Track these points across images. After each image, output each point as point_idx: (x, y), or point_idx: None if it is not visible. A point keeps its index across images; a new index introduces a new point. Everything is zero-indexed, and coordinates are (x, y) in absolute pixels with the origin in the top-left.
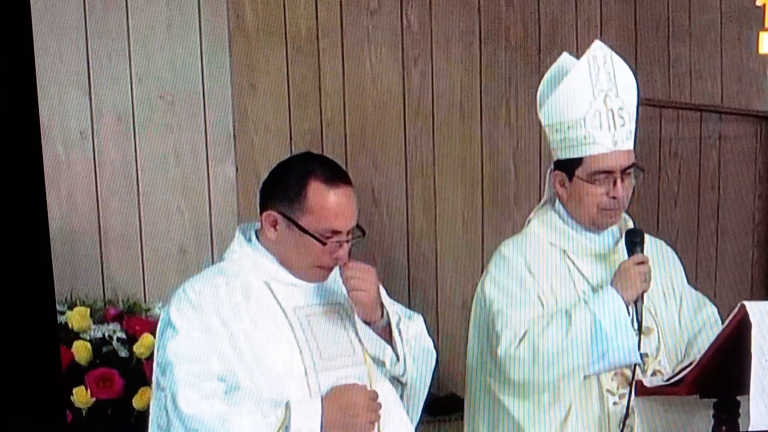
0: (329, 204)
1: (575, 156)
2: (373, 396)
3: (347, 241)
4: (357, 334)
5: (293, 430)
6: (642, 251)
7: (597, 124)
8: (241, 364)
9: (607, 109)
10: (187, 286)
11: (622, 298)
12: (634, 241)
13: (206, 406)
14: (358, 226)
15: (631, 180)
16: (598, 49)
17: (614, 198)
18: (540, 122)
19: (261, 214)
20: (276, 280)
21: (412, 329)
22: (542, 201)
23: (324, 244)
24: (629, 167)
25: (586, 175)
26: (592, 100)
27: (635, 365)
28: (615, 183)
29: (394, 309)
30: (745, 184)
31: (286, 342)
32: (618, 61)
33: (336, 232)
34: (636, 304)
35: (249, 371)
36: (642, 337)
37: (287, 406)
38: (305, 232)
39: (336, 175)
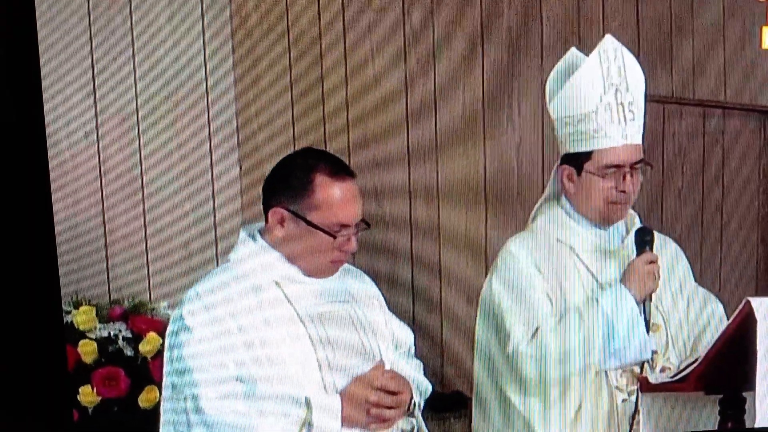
0: (337, 198)
1: (585, 149)
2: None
3: (355, 234)
4: (366, 332)
5: (315, 427)
6: (652, 250)
7: (608, 118)
8: (257, 365)
9: (617, 103)
10: (198, 287)
11: (633, 296)
12: (644, 240)
13: (229, 406)
14: (362, 219)
15: (639, 175)
16: (609, 43)
17: (623, 192)
18: (543, 120)
19: (266, 212)
20: (286, 279)
21: (423, 385)
22: (543, 197)
23: (334, 237)
24: (638, 162)
25: (596, 169)
26: (603, 93)
27: (643, 362)
28: (624, 177)
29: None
30: (749, 179)
31: (301, 341)
32: (628, 55)
33: (344, 226)
34: (644, 302)
35: (264, 371)
36: (651, 334)
37: (308, 403)
38: (315, 227)
39: (341, 169)
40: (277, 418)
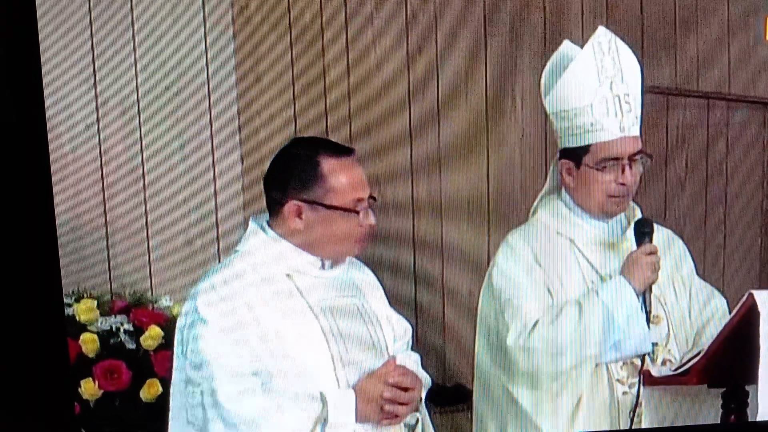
0: (346, 175)
1: (583, 143)
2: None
3: (369, 207)
4: (374, 326)
5: (331, 422)
6: (651, 241)
7: (604, 111)
8: (272, 358)
9: (613, 95)
10: (212, 278)
11: (633, 288)
12: (643, 231)
13: (247, 401)
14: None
15: (639, 167)
16: (602, 35)
17: (623, 185)
18: (545, 111)
19: (272, 208)
20: (298, 272)
21: (424, 378)
22: (544, 190)
23: (357, 213)
24: (637, 153)
25: (595, 163)
26: (598, 86)
27: (644, 355)
28: (623, 170)
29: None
30: (753, 171)
31: (314, 336)
32: (622, 46)
33: (360, 200)
34: (644, 294)
35: (279, 365)
36: (652, 326)
37: (323, 398)
38: (337, 208)
39: (340, 149)
40: (294, 413)
